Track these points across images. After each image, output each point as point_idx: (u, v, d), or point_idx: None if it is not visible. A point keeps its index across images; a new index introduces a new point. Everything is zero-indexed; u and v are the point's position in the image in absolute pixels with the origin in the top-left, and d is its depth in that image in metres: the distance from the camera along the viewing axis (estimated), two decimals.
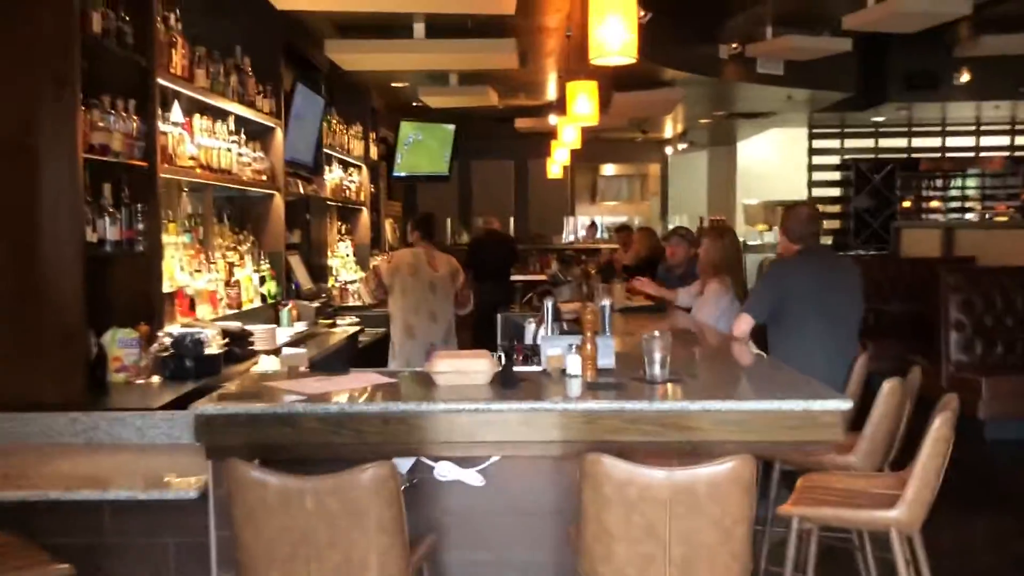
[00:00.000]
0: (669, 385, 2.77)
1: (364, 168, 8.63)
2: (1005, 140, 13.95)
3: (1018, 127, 13.77)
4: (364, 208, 8.66)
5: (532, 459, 2.77)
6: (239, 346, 4.16)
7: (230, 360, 3.98)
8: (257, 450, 2.57)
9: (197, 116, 4.48)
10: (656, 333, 2.82)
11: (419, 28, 6.16)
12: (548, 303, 3.07)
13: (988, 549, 4.38)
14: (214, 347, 3.80)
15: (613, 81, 8.30)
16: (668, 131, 12.92)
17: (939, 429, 2.56)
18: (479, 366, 2.76)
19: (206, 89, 4.50)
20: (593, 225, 14.15)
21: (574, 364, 2.92)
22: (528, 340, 3.51)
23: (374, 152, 9.12)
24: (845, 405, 2.55)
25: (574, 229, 14.30)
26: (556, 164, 11.30)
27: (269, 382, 2.86)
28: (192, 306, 4.37)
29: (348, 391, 2.72)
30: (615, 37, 3.06)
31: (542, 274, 10.30)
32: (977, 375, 6.24)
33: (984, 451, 5.85)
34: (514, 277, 10.15)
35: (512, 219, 14.02)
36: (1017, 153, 13.96)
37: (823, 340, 4.07)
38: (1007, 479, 5.47)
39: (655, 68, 7.99)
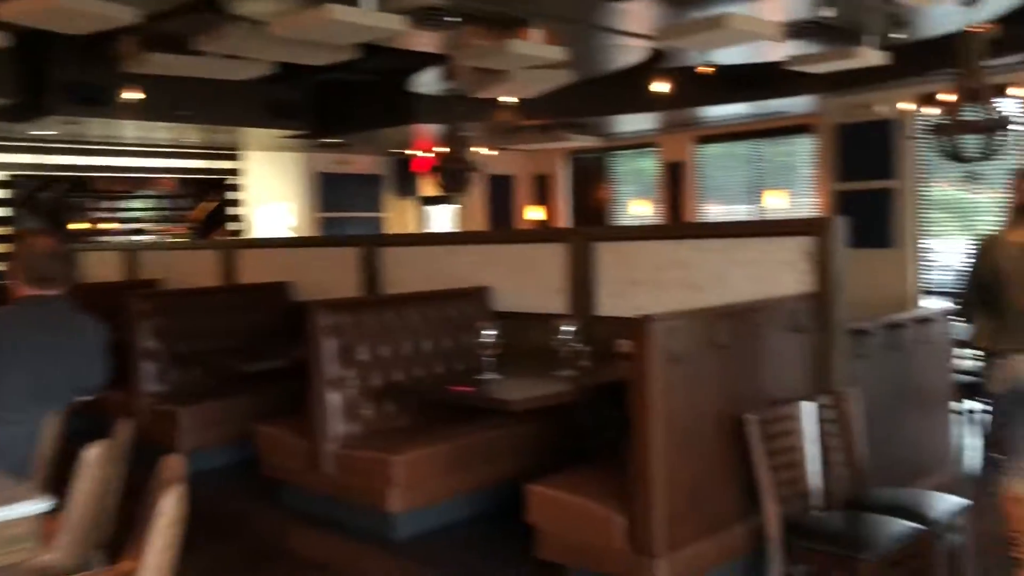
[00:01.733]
0: None
1: None
2: (176, 162, 14.23)
3: (183, 150, 14.16)
4: None
5: None
6: None
7: None
8: None
9: None
10: None
11: None
12: None
13: None
14: None
15: None
16: None
17: (170, 514, 2.01)
18: None
19: None
20: None
21: None
22: None
23: None
24: (41, 507, 1.82)
25: None
26: None
27: None
28: None
29: None
30: None
31: None
32: (175, 405, 5.91)
33: (190, 486, 5.53)
34: None
35: None
36: (186, 176, 14.37)
37: (29, 418, 3.08)
38: (217, 510, 5.28)
39: None
